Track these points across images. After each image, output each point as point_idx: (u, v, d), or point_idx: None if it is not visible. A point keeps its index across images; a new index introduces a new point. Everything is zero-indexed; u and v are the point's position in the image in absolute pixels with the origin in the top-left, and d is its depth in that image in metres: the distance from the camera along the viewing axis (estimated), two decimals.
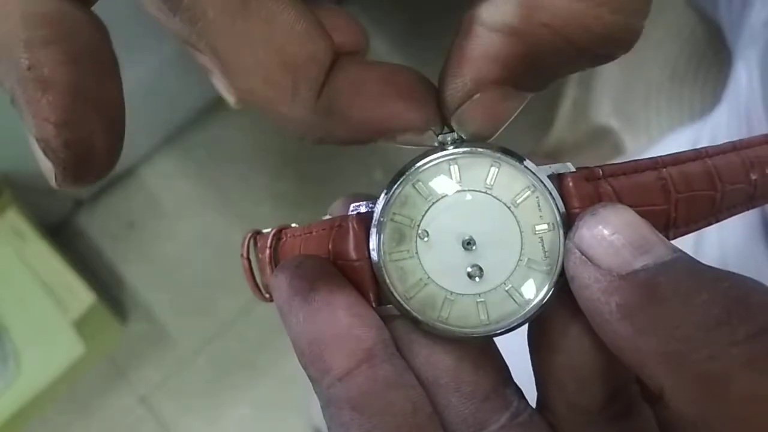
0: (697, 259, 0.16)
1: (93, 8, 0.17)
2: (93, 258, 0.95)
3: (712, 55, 0.53)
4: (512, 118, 0.18)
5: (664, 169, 0.19)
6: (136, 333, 0.93)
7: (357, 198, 0.19)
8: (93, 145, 0.15)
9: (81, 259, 0.92)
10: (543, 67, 0.17)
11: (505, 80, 0.17)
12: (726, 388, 0.14)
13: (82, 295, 0.82)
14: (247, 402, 0.90)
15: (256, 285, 0.22)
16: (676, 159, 0.19)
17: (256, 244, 0.22)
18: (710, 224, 0.20)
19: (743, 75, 0.45)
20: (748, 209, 0.21)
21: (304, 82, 0.16)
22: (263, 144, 0.96)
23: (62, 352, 0.80)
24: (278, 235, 0.21)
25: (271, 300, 0.21)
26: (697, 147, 0.20)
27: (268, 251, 0.20)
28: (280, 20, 0.16)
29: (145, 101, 0.91)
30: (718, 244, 0.42)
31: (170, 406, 0.92)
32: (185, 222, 0.96)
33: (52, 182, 0.16)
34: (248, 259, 0.22)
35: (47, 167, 0.15)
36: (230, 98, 0.18)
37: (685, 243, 0.43)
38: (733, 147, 0.21)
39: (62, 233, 0.96)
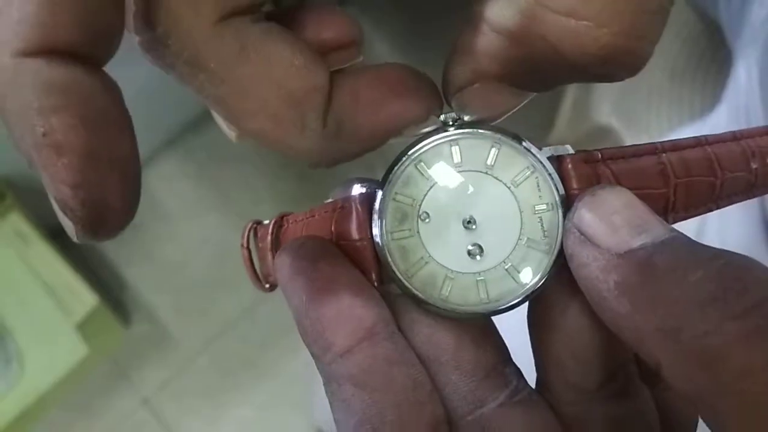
0: (698, 237, 0.16)
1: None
2: (95, 260, 0.96)
3: (711, 55, 0.53)
4: (512, 111, 0.18)
5: (664, 155, 0.19)
6: (139, 334, 0.93)
7: (359, 180, 0.19)
8: (108, 203, 0.16)
9: (83, 261, 0.92)
10: (542, 73, 0.17)
11: (503, 78, 0.17)
12: (722, 363, 0.14)
13: (84, 297, 0.82)
14: (249, 402, 0.91)
15: (256, 274, 0.22)
16: (676, 145, 0.19)
17: (256, 234, 0.22)
18: (710, 210, 0.20)
19: (743, 74, 0.45)
20: (748, 198, 0.21)
21: (310, 112, 0.17)
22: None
23: (65, 354, 0.80)
24: (280, 222, 0.21)
25: (270, 290, 0.22)
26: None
27: (269, 238, 0.21)
28: (278, 59, 0.16)
29: (147, 104, 0.91)
30: (718, 242, 0.42)
31: (173, 407, 0.92)
32: (187, 223, 0.96)
33: (73, 237, 0.16)
34: (248, 248, 0.22)
35: (67, 224, 0.16)
36: (231, 135, 0.20)
37: (687, 224, 0.43)
38: (734, 136, 0.21)
39: (65, 235, 0.95)
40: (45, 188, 0.16)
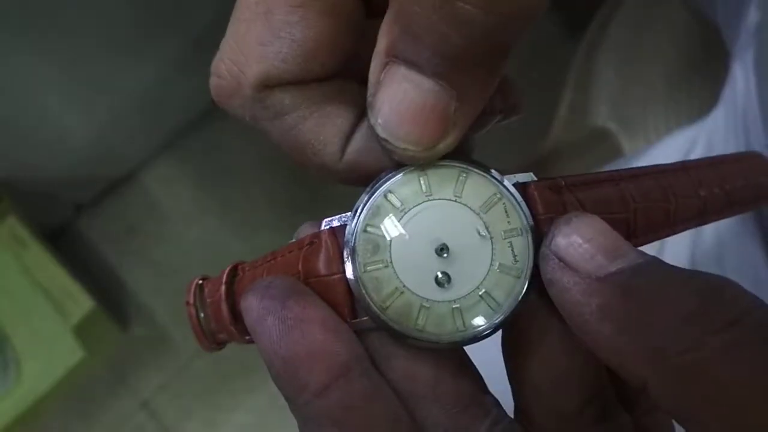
0: (694, 258, 0.17)
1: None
2: (93, 263, 0.96)
3: (708, 58, 0.53)
4: (427, 116, 0.17)
5: (622, 182, 0.20)
6: (137, 338, 0.93)
7: (326, 217, 0.19)
8: None
9: (81, 264, 0.92)
10: (418, 35, 0.16)
11: (389, 49, 0.17)
12: (706, 377, 0.14)
13: (81, 301, 0.82)
14: (247, 406, 0.90)
15: (203, 333, 0.21)
16: (632, 174, 0.20)
17: (202, 290, 0.21)
18: (668, 235, 0.21)
19: (740, 77, 0.45)
20: (702, 223, 0.23)
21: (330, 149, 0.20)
22: (262, 147, 0.96)
23: (62, 358, 0.80)
24: (233, 272, 0.21)
25: (219, 349, 0.21)
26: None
27: (223, 288, 0.20)
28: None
29: (145, 107, 0.91)
30: (714, 256, 0.42)
31: (171, 411, 0.92)
32: (185, 226, 0.96)
33: None
34: (195, 305, 0.21)
35: None
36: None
37: (683, 235, 0.43)
38: (683, 167, 0.22)
39: (62, 239, 0.96)
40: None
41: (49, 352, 0.80)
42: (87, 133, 0.89)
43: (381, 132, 0.18)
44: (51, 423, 0.88)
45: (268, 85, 0.19)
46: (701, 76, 0.55)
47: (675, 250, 0.42)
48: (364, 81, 0.19)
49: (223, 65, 0.19)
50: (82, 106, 0.85)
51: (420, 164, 0.19)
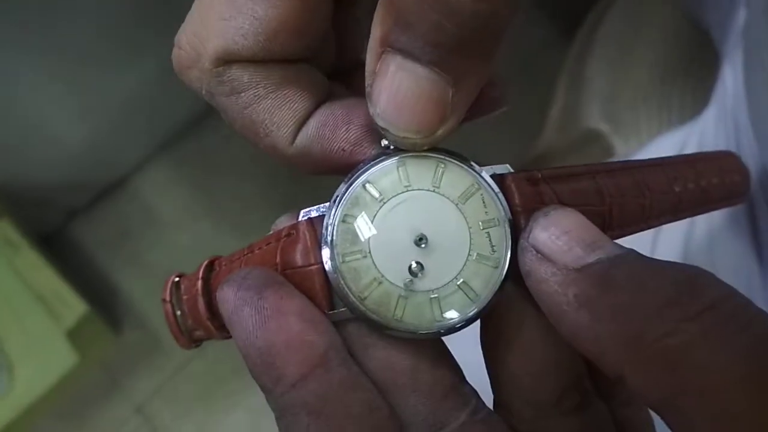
0: (686, 254, 0.17)
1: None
2: (86, 267, 0.95)
3: (699, 59, 0.54)
4: (423, 106, 0.18)
5: (598, 176, 0.20)
6: (130, 342, 0.93)
7: (304, 208, 0.19)
8: None
9: (74, 268, 0.92)
10: (411, 24, 0.16)
11: (384, 39, 0.17)
12: (682, 362, 0.14)
13: (74, 305, 0.82)
14: (242, 408, 0.90)
15: (179, 329, 0.21)
16: (608, 168, 0.21)
17: (179, 287, 0.21)
18: (642, 229, 0.21)
19: (729, 77, 0.45)
20: (677, 219, 0.23)
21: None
22: (255, 151, 0.96)
23: (56, 362, 0.80)
24: (210, 267, 0.21)
25: (197, 346, 0.21)
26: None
27: (199, 283, 0.20)
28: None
29: (138, 111, 0.91)
30: (707, 256, 0.42)
31: (166, 414, 0.92)
32: (178, 231, 0.96)
33: None
34: (171, 302, 0.21)
35: None
36: None
37: (675, 235, 0.43)
38: (659, 163, 0.23)
39: (56, 243, 0.96)
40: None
41: (43, 357, 0.80)
42: (80, 138, 0.89)
43: (380, 122, 0.18)
44: (44, 428, 0.88)
45: (227, 60, 0.19)
46: (692, 78, 0.55)
47: (666, 253, 0.42)
48: (330, 71, 0.20)
49: (185, 37, 0.19)
50: (74, 112, 0.85)
51: (399, 155, 0.19)
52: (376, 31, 0.17)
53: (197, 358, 0.92)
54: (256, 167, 0.96)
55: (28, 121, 0.82)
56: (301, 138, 0.19)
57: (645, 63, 0.57)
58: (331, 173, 0.20)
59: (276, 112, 0.19)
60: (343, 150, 0.19)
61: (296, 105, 0.19)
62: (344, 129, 0.19)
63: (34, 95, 0.80)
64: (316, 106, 0.20)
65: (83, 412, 0.91)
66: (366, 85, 0.18)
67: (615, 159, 0.56)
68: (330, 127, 0.19)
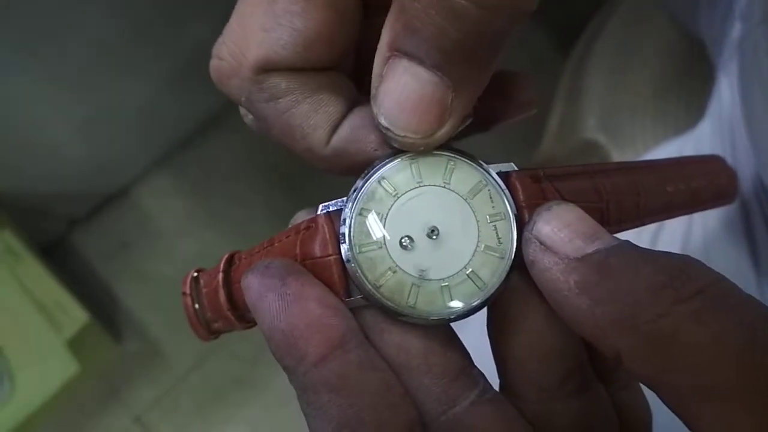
0: (684, 250, 0.18)
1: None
2: (87, 277, 0.95)
3: (695, 70, 0.54)
4: (432, 109, 0.19)
5: (595, 175, 0.22)
6: (131, 352, 0.93)
7: (322, 202, 0.20)
8: None
9: (75, 278, 0.92)
10: (418, 29, 0.17)
11: (392, 44, 0.18)
12: (674, 341, 0.16)
13: (75, 314, 0.82)
14: (242, 420, 0.90)
15: (199, 322, 0.22)
16: (605, 168, 0.22)
17: (198, 281, 0.22)
18: (637, 226, 0.23)
19: (725, 88, 0.46)
20: (668, 217, 0.25)
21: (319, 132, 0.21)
22: (256, 161, 0.97)
23: (56, 371, 0.80)
24: (230, 260, 0.22)
25: (215, 337, 0.22)
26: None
27: (220, 275, 0.21)
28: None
29: (139, 121, 0.92)
30: (702, 248, 0.43)
31: (165, 426, 0.92)
32: (179, 240, 0.96)
33: None
34: (191, 295, 0.22)
35: None
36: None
37: (673, 239, 0.43)
38: (652, 164, 0.24)
39: (56, 253, 0.96)
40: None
41: (43, 366, 0.80)
42: (81, 148, 0.89)
43: (383, 122, 0.19)
44: None
45: (266, 68, 0.20)
46: (688, 89, 0.55)
47: None
48: (355, 78, 0.21)
49: (225, 48, 0.21)
50: (75, 122, 0.86)
51: (412, 153, 0.20)
52: (384, 37, 0.18)
53: (196, 369, 0.92)
54: (256, 175, 0.96)
55: (29, 132, 0.83)
56: (336, 139, 0.21)
57: (641, 75, 0.57)
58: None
59: (312, 115, 0.21)
60: (376, 149, 0.21)
61: (330, 109, 0.21)
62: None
63: (35, 106, 0.80)
64: (348, 109, 0.21)
65: (83, 421, 0.91)
66: (372, 87, 0.19)
67: None
68: (366, 128, 0.21)
